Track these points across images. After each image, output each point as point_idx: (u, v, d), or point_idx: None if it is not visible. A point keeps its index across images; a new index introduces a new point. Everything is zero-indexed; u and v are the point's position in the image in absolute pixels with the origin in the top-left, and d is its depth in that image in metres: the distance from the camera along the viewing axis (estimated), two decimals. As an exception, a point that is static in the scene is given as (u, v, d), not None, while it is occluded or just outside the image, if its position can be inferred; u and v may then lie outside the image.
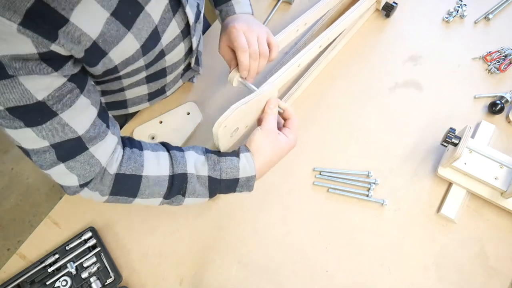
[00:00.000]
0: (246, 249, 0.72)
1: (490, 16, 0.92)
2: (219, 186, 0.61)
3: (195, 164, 0.60)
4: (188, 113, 0.84)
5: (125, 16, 0.49)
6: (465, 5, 0.93)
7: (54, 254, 0.71)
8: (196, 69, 0.80)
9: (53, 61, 0.45)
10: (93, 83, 0.55)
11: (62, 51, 0.45)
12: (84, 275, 0.69)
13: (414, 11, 0.95)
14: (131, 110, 0.81)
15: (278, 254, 0.72)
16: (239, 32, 0.63)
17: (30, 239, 0.74)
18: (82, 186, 0.55)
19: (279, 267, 0.71)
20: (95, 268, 0.70)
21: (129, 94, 0.73)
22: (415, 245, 0.72)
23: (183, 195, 0.60)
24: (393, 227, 0.73)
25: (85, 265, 0.70)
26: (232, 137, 0.69)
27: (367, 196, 0.75)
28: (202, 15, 0.72)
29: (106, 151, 0.55)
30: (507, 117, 0.81)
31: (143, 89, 0.73)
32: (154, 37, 0.55)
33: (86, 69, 0.53)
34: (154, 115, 0.84)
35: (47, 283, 0.69)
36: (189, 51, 0.70)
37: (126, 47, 0.52)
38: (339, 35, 0.88)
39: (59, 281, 0.69)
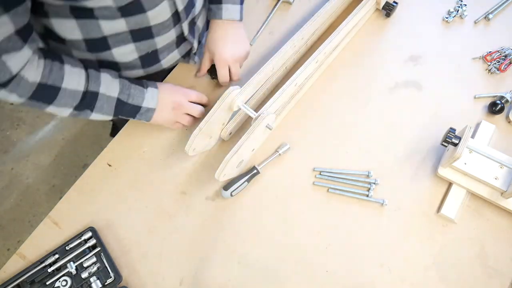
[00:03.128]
0: (246, 249, 0.72)
1: (490, 16, 0.92)
2: (123, 108, 0.70)
3: (108, 85, 0.68)
4: None
5: None
6: (465, 5, 0.93)
7: (54, 254, 0.71)
8: (191, 40, 0.78)
9: None
10: (28, 6, 0.57)
11: None
12: (84, 275, 0.69)
13: (414, 11, 0.95)
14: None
15: (278, 254, 0.72)
16: (224, 66, 0.79)
17: (30, 239, 0.74)
18: None
19: (279, 267, 0.71)
20: (95, 268, 0.70)
21: (117, 53, 0.71)
22: (415, 245, 0.72)
23: (92, 110, 0.68)
24: (393, 227, 0.73)
25: (85, 265, 0.70)
26: (238, 167, 0.75)
27: (367, 196, 0.75)
28: None
29: (19, 61, 0.58)
30: (507, 117, 0.81)
31: (131, 49, 0.71)
32: None
33: None
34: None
35: (47, 283, 0.69)
36: (177, 16, 0.70)
37: None
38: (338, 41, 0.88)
39: (59, 281, 0.69)
